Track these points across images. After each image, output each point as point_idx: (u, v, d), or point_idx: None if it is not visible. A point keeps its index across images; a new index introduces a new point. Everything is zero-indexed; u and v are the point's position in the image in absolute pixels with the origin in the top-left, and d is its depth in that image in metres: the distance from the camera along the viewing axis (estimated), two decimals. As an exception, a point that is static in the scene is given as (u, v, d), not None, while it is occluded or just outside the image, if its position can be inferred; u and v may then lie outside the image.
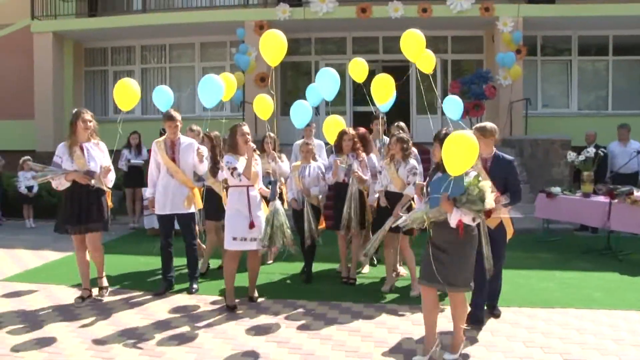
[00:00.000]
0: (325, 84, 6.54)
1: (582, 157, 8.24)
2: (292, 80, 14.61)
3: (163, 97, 6.62)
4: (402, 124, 6.79)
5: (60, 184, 5.34)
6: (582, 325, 4.93)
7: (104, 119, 14.17)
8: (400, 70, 13.34)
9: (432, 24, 12.12)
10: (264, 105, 6.32)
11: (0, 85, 14.07)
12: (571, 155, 8.51)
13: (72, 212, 5.40)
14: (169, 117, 5.99)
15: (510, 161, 4.85)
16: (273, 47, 5.69)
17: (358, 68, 6.67)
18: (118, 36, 14.16)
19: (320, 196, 6.45)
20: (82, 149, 5.40)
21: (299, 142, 7.27)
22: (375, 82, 6.37)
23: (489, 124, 4.86)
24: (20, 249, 8.20)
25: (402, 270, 6.52)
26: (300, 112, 6.80)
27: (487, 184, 3.92)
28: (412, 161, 5.82)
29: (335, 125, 6.68)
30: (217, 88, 6.07)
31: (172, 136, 5.99)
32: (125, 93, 6.04)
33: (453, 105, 6.90)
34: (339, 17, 12.66)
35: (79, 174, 5.32)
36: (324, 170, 6.51)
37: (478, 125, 4.87)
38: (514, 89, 12.43)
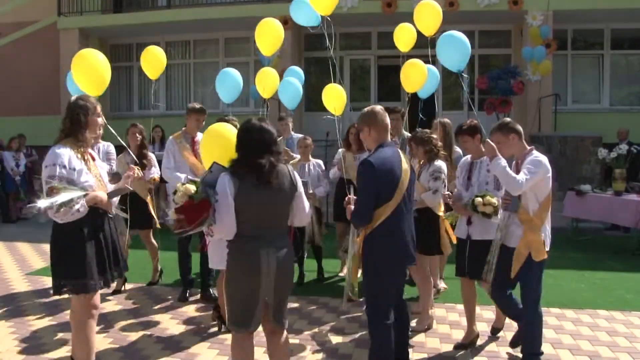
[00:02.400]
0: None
1: (613, 154, 8.02)
2: (315, 76, 14.54)
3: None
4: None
5: (79, 211, 3.32)
6: (612, 327, 4.78)
7: (129, 115, 14.35)
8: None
9: (459, 18, 11.87)
10: (268, 79, 5.77)
11: (27, 82, 14.31)
12: (602, 152, 8.29)
13: (98, 255, 3.50)
14: (200, 110, 5.43)
15: (360, 164, 3.50)
16: (267, 37, 5.54)
17: (405, 35, 5.93)
18: (143, 32, 14.28)
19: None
20: (92, 157, 3.66)
21: (299, 135, 6.67)
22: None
23: (366, 109, 3.63)
24: (45, 244, 8.26)
25: (442, 285, 5.74)
26: (290, 91, 5.99)
27: (183, 187, 3.17)
28: (438, 163, 4.68)
29: (336, 94, 5.44)
30: (235, 82, 5.90)
31: (194, 131, 5.52)
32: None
33: None
34: (364, 12, 12.53)
35: (103, 196, 3.50)
36: (323, 168, 6.00)
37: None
38: (542, 84, 12.14)
